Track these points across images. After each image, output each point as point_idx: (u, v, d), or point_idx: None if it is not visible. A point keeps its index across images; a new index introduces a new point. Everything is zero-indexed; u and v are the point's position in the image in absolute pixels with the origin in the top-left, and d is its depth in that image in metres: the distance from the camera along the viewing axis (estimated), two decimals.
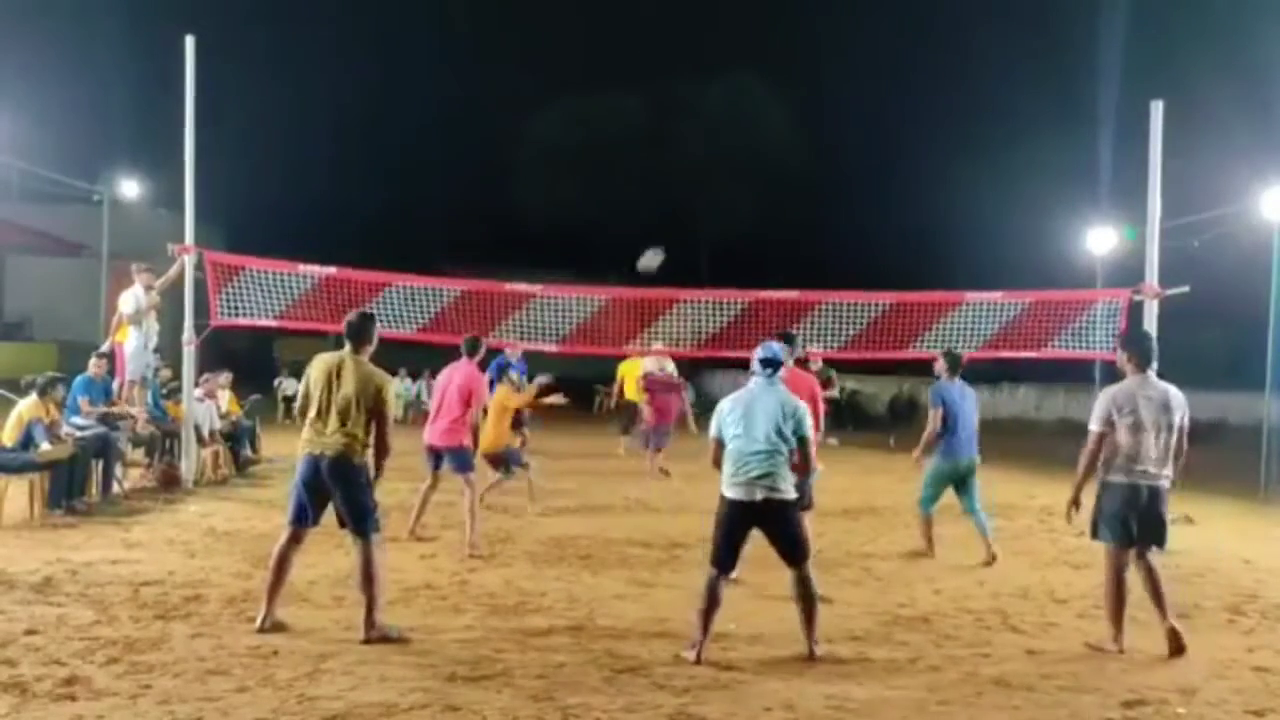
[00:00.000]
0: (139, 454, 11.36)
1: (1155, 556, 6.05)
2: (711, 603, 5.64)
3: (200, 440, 11.68)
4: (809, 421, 5.78)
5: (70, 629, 5.70)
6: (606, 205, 39.98)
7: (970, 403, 8.61)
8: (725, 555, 5.72)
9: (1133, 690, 5.29)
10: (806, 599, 5.68)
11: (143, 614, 6.05)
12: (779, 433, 5.63)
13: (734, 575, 7.35)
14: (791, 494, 5.67)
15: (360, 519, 5.82)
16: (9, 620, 5.82)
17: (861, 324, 12.28)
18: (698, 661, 5.49)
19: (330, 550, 7.27)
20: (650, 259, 13.66)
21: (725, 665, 5.48)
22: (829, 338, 12.22)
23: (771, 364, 5.86)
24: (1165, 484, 5.99)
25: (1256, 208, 15.84)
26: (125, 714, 4.53)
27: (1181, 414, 5.99)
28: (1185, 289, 11.18)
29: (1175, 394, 6.04)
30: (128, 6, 32.77)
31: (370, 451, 5.91)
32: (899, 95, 40.75)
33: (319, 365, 5.92)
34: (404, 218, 40.04)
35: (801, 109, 39.97)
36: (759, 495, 5.59)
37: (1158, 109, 10.99)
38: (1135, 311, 11.42)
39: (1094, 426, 6.01)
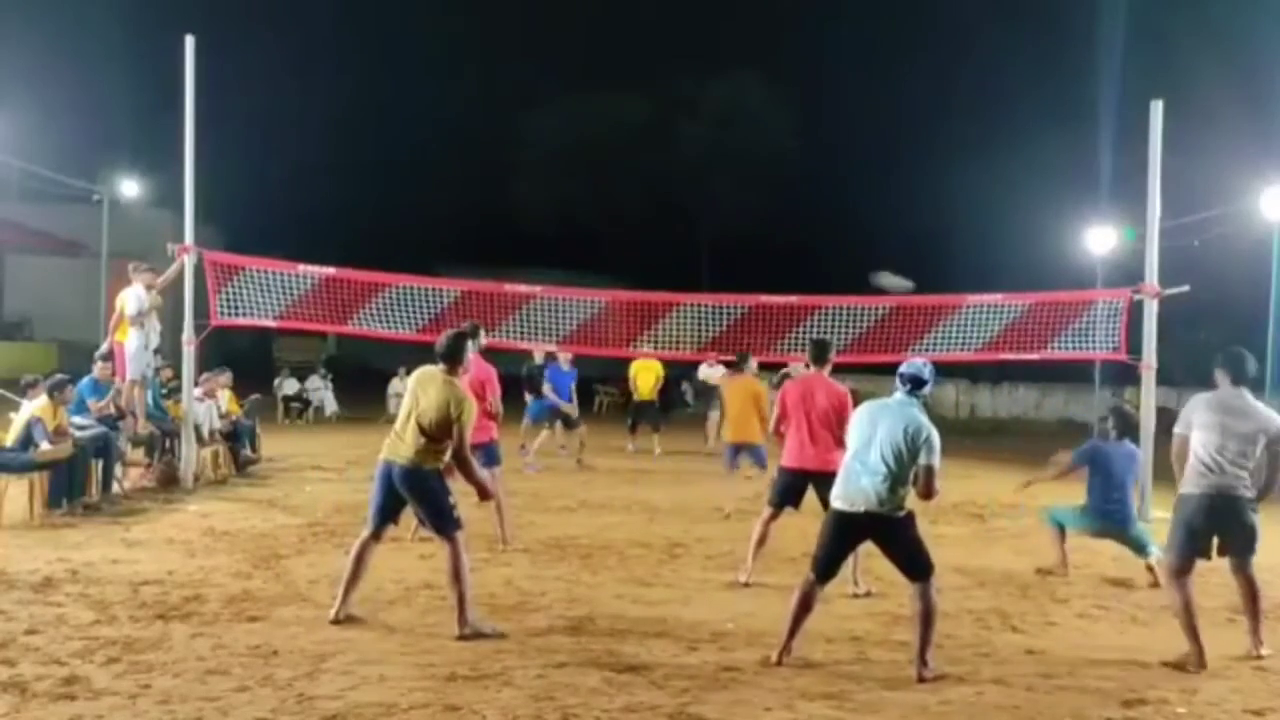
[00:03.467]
0: (139, 454, 11.36)
1: (1254, 569, 5.84)
2: (801, 607, 5.56)
3: (200, 440, 11.68)
4: (936, 448, 5.40)
5: (70, 629, 5.70)
6: (606, 205, 40.04)
7: (1132, 468, 7.91)
8: (823, 564, 5.60)
9: (1133, 690, 5.29)
10: (923, 616, 5.38)
11: (143, 614, 6.05)
12: (897, 456, 5.35)
13: (745, 579, 7.39)
14: (899, 512, 5.41)
15: (440, 522, 5.97)
16: (9, 620, 5.82)
17: (862, 327, 12.27)
18: (778, 663, 5.45)
19: (330, 551, 7.28)
20: (892, 281, 13.40)
21: (725, 665, 5.47)
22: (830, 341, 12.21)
23: (912, 381, 5.56)
24: (1246, 494, 5.69)
25: (1256, 208, 15.87)
26: (125, 714, 4.53)
27: (1269, 438, 5.69)
28: (1185, 289, 11.19)
29: (1268, 415, 5.76)
30: (128, 6, 32.80)
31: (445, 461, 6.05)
32: (899, 95, 40.77)
33: (414, 377, 6.17)
34: (404, 218, 40.09)
35: (801, 109, 40.04)
36: (860, 508, 5.40)
37: (1158, 109, 11.01)
38: (1135, 311, 11.43)
39: (1176, 429, 5.88)
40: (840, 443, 6.48)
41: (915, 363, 5.67)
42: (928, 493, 5.45)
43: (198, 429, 11.59)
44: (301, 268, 11.98)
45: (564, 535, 9.07)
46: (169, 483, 11.01)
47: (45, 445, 8.99)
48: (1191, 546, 5.76)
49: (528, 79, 41.82)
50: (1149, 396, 11.43)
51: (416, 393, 6.01)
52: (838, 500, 5.53)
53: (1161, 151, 11.01)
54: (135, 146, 28.38)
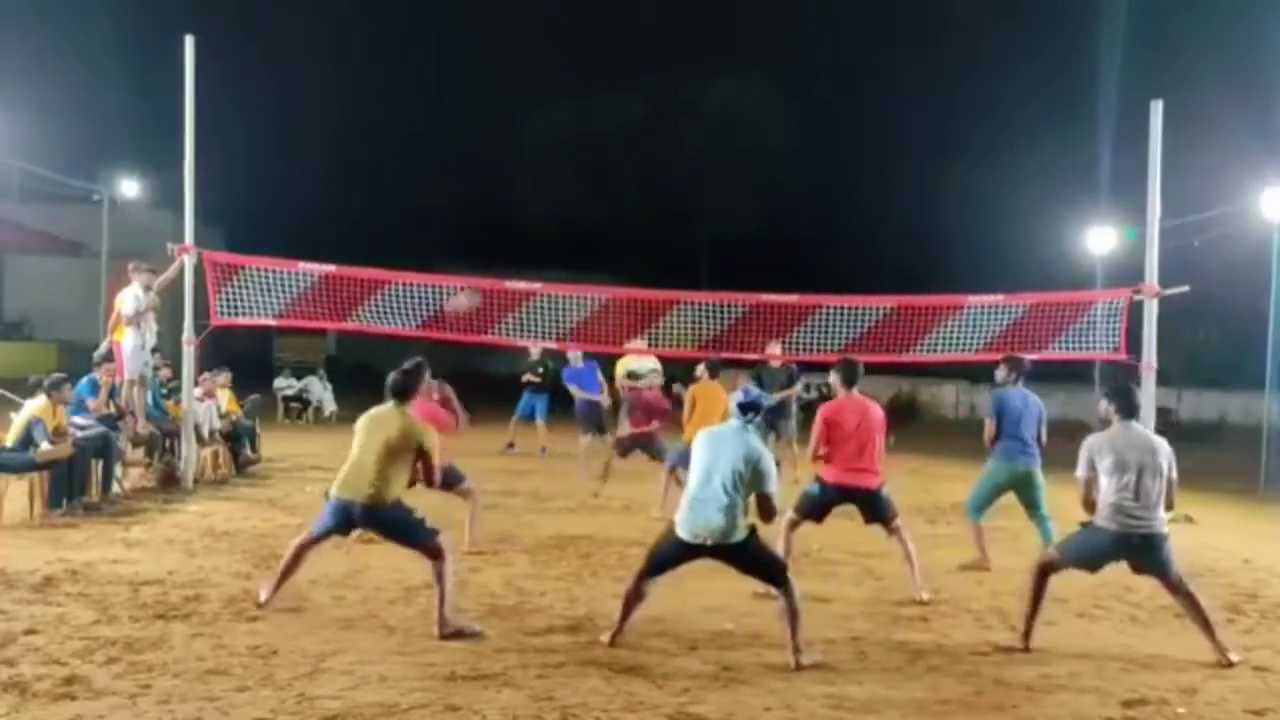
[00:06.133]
0: (139, 454, 11.36)
1: (1192, 584, 6.01)
2: (634, 596, 5.77)
3: (200, 440, 11.68)
4: (772, 475, 5.62)
5: (70, 629, 5.70)
6: (606, 205, 40.01)
7: (1029, 408, 8.40)
8: (651, 569, 5.80)
9: (1133, 690, 5.29)
10: (790, 614, 5.57)
11: (143, 614, 6.05)
12: (736, 485, 5.53)
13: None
14: (741, 536, 5.58)
15: (417, 540, 6.07)
16: (9, 620, 5.82)
17: (863, 327, 12.23)
18: (611, 644, 5.67)
19: (329, 551, 7.24)
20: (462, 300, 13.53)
21: (725, 665, 5.48)
22: (830, 341, 12.19)
23: (751, 409, 5.77)
24: (1160, 529, 5.87)
25: (1256, 208, 15.86)
26: (125, 714, 4.53)
27: (1168, 462, 5.92)
28: (1185, 289, 11.19)
29: (1160, 442, 6.05)
30: (128, 6, 32.81)
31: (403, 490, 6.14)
32: (900, 95, 40.86)
33: (364, 419, 6.21)
34: (403, 218, 40.08)
35: (802, 109, 40.06)
36: (708, 540, 5.56)
37: (1158, 109, 11.00)
38: (1135, 311, 11.42)
39: (1079, 473, 6.09)
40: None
41: (753, 391, 5.94)
42: (769, 518, 5.71)
43: (198, 429, 11.59)
44: (301, 265, 11.96)
45: (564, 535, 9.07)
46: (169, 483, 11.01)
47: (45, 445, 8.99)
48: (1086, 565, 6.12)
49: (527, 78, 41.85)
50: (1149, 396, 11.43)
51: (370, 430, 6.05)
52: (684, 531, 5.63)
53: (1161, 151, 11.01)
54: (135, 146, 28.43)
